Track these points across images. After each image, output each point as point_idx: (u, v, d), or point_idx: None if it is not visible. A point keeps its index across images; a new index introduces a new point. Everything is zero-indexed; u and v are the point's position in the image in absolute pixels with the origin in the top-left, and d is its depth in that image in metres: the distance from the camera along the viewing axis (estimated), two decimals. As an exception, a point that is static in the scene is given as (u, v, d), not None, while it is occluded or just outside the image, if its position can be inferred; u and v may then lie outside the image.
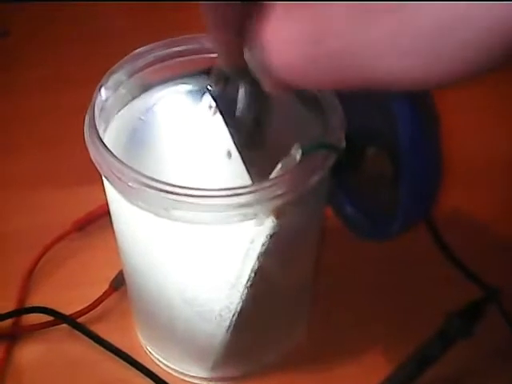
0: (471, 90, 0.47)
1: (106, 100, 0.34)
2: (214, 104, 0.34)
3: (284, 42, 0.23)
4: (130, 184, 0.29)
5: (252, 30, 0.25)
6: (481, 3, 0.18)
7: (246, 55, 0.26)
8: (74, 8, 0.66)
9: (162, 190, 0.29)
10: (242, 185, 0.29)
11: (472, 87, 0.45)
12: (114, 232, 0.36)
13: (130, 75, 0.35)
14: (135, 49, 0.35)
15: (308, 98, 0.34)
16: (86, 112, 0.32)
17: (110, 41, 0.62)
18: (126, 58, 0.35)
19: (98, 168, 0.31)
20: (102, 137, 0.31)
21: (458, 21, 0.19)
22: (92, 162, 0.31)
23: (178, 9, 0.62)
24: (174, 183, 0.29)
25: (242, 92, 0.33)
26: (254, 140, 0.33)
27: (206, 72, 0.36)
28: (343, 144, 0.31)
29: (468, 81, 0.20)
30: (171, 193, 0.29)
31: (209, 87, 0.35)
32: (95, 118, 0.32)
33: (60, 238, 0.46)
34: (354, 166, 0.36)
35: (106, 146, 0.30)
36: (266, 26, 0.23)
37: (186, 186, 0.29)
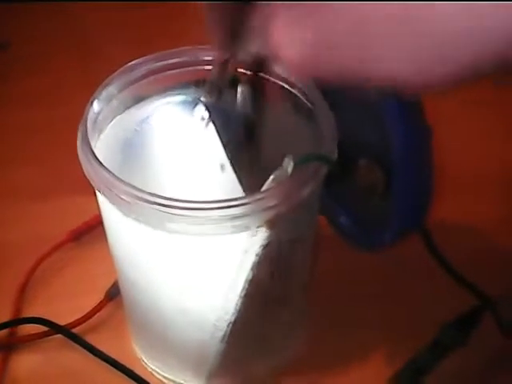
0: (464, 100, 0.47)
1: (99, 112, 0.34)
2: (207, 115, 0.34)
3: (292, 45, 0.23)
4: (122, 197, 0.29)
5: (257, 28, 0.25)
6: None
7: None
8: (69, 22, 0.66)
9: (154, 203, 0.29)
10: (235, 197, 0.29)
11: (465, 97, 0.45)
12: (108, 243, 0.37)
13: (123, 88, 0.35)
14: (130, 61, 0.35)
15: (301, 110, 0.34)
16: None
17: (107, 53, 0.62)
18: (118, 70, 0.35)
19: (91, 182, 0.31)
20: (94, 149, 0.31)
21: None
22: (87, 174, 0.31)
23: (172, 20, 0.63)
24: (167, 196, 0.29)
25: (237, 102, 0.33)
26: (247, 151, 0.33)
27: (200, 83, 0.36)
28: (335, 155, 0.31)
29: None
30: (164, 205, 0.29)
31: (202, 98, 0.35)
32: (87, 131, 0.32)
33: (56, 248, 0.46)
34: (346, 177, 0.36)
35: (98, 160, 0.30)
36: (274, 28, 0.24)
37: (179, 198, 0.29)
